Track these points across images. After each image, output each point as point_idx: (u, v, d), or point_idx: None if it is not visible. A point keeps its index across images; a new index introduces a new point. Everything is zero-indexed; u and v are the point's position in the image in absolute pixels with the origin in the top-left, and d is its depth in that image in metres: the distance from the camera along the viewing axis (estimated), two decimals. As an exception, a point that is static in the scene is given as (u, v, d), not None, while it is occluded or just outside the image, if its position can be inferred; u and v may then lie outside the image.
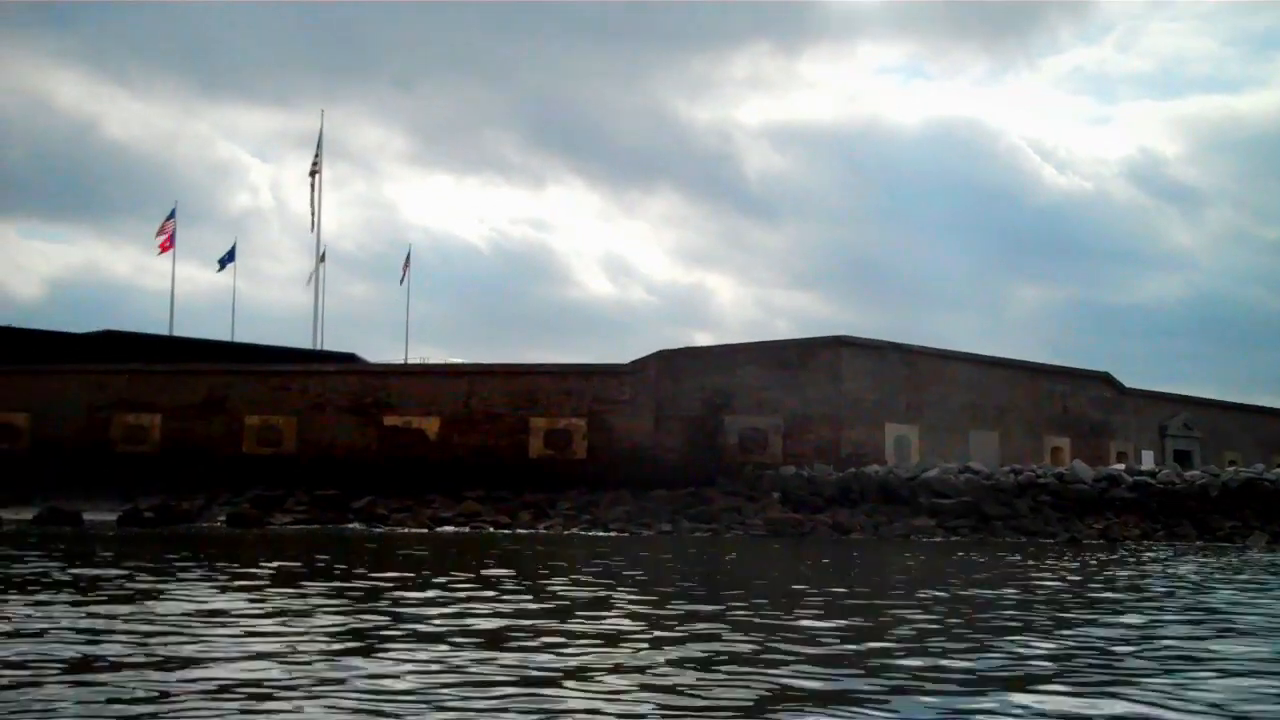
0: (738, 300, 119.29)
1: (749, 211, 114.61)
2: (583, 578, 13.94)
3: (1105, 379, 41.83)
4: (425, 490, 33.06)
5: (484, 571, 14.65)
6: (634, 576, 14.44)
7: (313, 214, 60.53)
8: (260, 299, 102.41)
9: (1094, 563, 18.79)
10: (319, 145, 60.87)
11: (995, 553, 21.41)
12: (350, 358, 52.96)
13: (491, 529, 28.65)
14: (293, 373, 36.62)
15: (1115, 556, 20.88)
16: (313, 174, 61.15)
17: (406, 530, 28.07)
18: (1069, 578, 15.20)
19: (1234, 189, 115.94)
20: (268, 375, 36.47)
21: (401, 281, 64.35)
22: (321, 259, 62.16)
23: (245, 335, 54.66)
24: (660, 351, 34.08)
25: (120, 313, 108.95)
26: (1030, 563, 18.40)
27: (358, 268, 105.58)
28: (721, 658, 7.31)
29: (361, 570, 14.79)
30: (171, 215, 59.60)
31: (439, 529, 28.55)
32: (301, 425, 35.20)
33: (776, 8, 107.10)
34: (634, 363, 34.36)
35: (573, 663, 7.03)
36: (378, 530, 27.91)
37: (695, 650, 7.58)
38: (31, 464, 36.09)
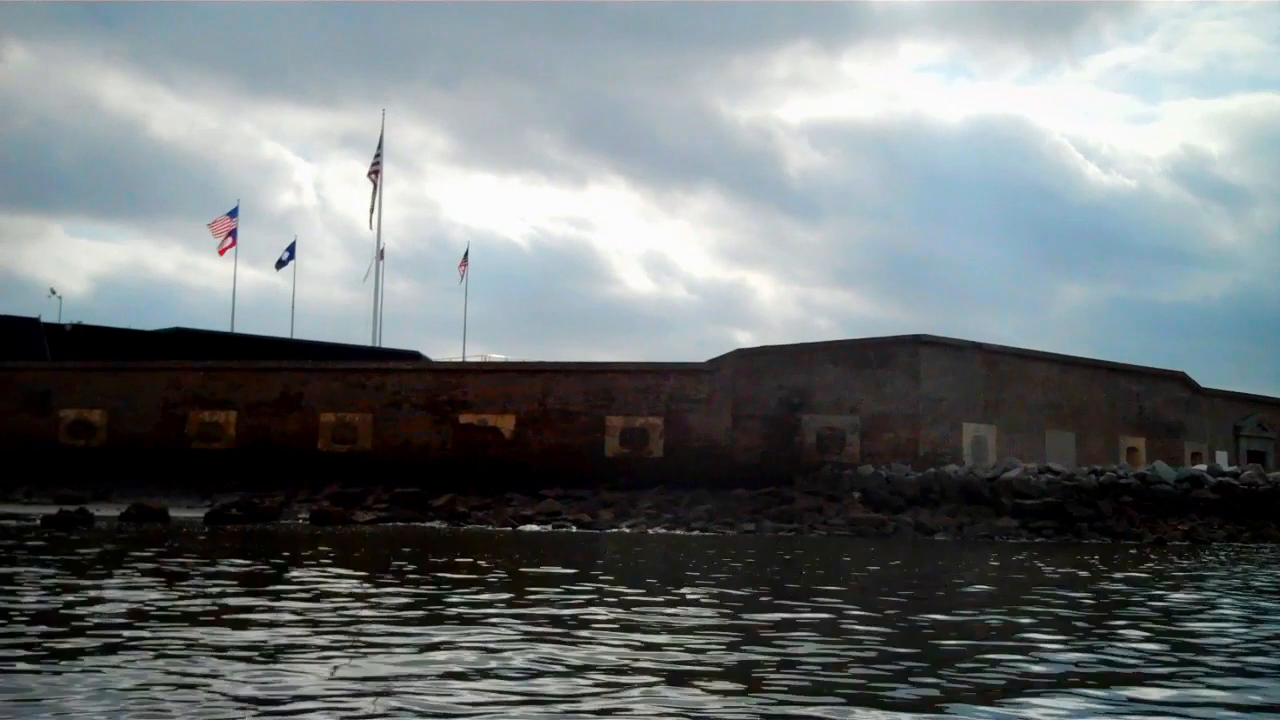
0: (778, 298, 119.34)
1: (790, 210, 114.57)
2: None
3: (1181, 379, 41.31)
4: (500, 488, 33.04)
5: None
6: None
7: (372, 213, 60.91)
8: (305, 296, 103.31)
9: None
10: (380, 146, 61.24)
11: (1168, 557, 21.11)
12: (415, 355, 53.22)
13: (574, 528, 28.54)
14: (368, 370, 36.66)
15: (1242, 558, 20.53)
16: (373, 174, 61.59)
17: (490, 529, 28.00)
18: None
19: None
20: (343, 373, 36.52)
21: (461, 280, 64.64)
22: (380, 257, 62.56)
23: (300, 333, 55.04)
24: (738, 350, 33.92)
25: (166, 310, 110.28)
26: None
27: (401, 266, 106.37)
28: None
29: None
30: (233, 213, 60.14)
31: (521, 528, 28.45)
32: (377, 423, 35.23)
33: (817, 7, 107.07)
34: (711, 361, 34.19)
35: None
36: (466, 528, 27.85)
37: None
38: (108, 460, 36.32)
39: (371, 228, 59.68)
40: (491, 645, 7.54)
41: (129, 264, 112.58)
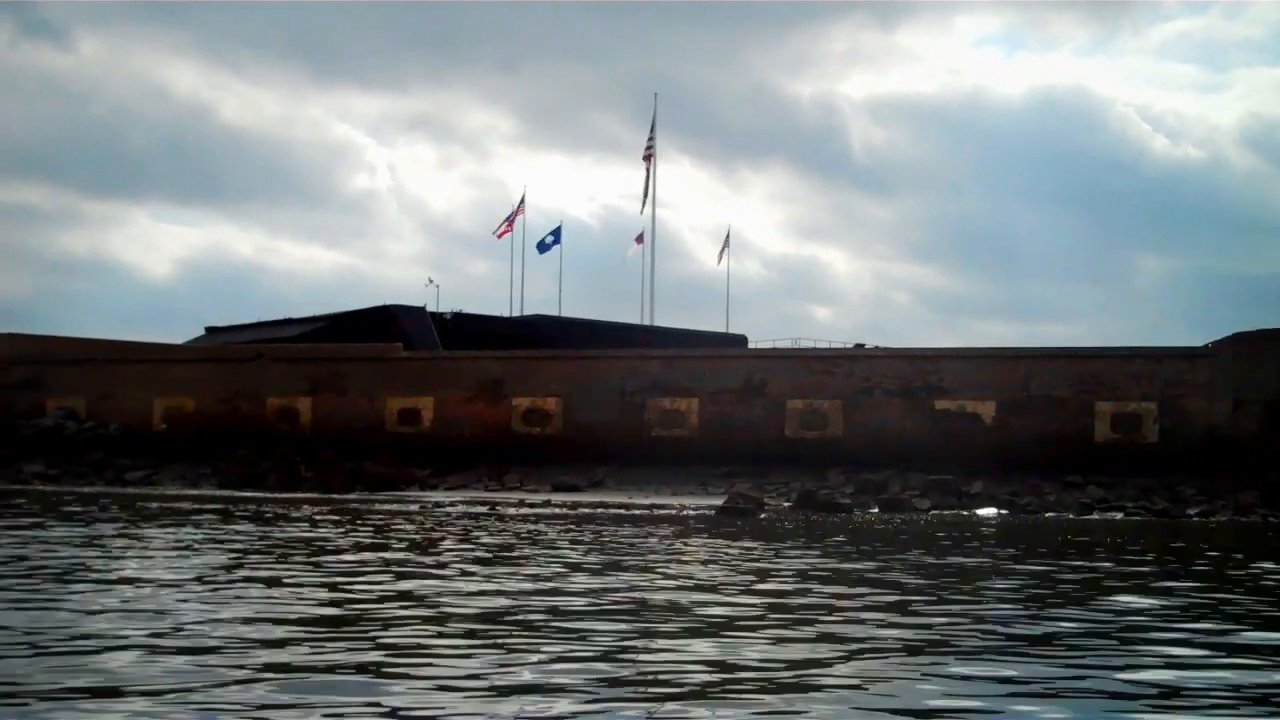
0: (854, 274, 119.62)
1: (859, 185, 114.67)
2: None
3: None
4: (987, 474, 32.79)
5: None
6: None
7: (645, 195, 60.87)
8: (381, 276, 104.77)
9: None
10: (652, 129, 61.18)
11: None
12: (740, 340, 53.21)
13: (1147, 515, 28.29)
14: (837, 357, 36.64)
15: None
16: (646, 157, 61.55)
17: (1071, 516, 27.78)
18: None
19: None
20: (807, 360, 36.53)
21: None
22: (638, 239, 62.57)
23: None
24: (1237, 334, 33.59)
25: (246, 293, 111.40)
26: None
27: (475, 245, 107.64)
28: None
29: None
30: (522, 202, 60.39)
31: (1091, 516, 28.20)
32: (847, 409, 35.11)
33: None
34: (1210, 345, 33.94)
35: None
36: (1044, 516, 27.69)
37: None
38: (562, 447, 36.41)
39: (643, 212, 59.73)
40: None
41: (210, 247, 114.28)
